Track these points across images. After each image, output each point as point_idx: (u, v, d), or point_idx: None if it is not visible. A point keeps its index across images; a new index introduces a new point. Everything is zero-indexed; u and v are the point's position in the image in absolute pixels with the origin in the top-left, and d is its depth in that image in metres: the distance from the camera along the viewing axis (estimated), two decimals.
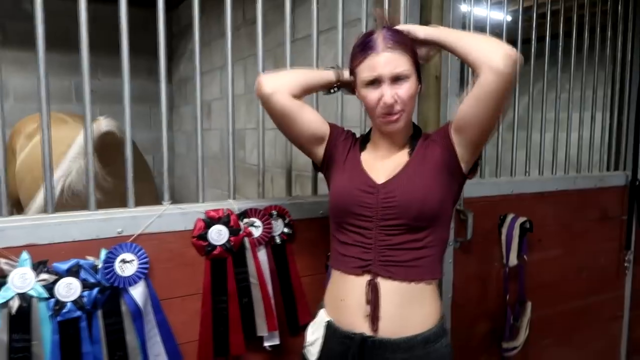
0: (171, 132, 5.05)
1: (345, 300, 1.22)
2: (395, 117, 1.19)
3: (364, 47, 1.20)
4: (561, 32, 2.25)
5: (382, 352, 1.16)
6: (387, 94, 1.17)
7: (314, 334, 1.26)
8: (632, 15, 2.50)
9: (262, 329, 1.51)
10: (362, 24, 1.74)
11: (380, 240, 1.19)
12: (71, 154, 2.38)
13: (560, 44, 2.26)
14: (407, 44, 1.20)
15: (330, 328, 1.23)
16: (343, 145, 1.33)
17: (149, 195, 2.87)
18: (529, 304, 2.05)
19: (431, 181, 1.21)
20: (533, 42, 2.17)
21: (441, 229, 1.23)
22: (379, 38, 1.18)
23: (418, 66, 1.23)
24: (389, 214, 1.19)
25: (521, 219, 2.00)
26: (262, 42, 1.62)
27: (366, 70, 1.19)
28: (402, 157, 1.27)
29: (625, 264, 2.52)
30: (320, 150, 1.35)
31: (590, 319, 2.44)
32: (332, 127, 1.36)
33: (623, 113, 2.61)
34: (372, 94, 1.19)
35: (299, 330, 1.58)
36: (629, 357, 2.66)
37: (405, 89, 1.18)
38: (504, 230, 2.00)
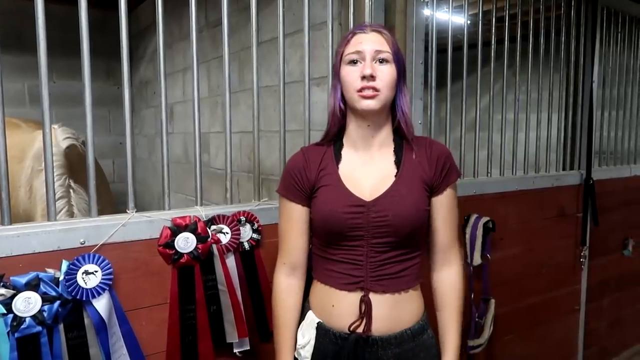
0: (132, 135, 4.93)
1: (336, 307, 1.22)
2: (371, 92, 1.15)
3: (352, 31, 1.23)
4: (519, 36, 2.32)
5: (375, 349, 1.19)
6: (368, 65, 1.15)
7: (305, 336, 1.24)
8: (584, 20, 2.61)
9: (232, 336, 1.48)
10: (327, 27, 1.75)
11: (371, 257, 1.19)
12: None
13: (518, 46, 2.33)
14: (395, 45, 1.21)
15: (321, 329, 1.23)
16: (311, 172, 1.25)
17: (109, 205, 2.79)
18: (493, 302, 2.09)
19: (420, 197, 1.21)
20: (492, 44, 2.23)
21: (423, 237, 1.27)
22: (369, 25, 1.23)
23: (400, 70, 1.21)
24: (380, 232, 1.18)
25: (484, 219, 2.04)
26: (228, 45, 1.60)
27: (351, 48, 1.18)
28: (386, 164, 1.23)
29: (581, 260, 2.62)
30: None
31: (550, 313, 2.53)
32: (291, 192, 1.27)
33: (577, 114, 2.71)
34: (352, 71, 1.17)
35: (269, 335, 1.57)
36: (585, 348, 2.77)
37: (386, 71, 1.17)
38: (468, 230, 2.03)
